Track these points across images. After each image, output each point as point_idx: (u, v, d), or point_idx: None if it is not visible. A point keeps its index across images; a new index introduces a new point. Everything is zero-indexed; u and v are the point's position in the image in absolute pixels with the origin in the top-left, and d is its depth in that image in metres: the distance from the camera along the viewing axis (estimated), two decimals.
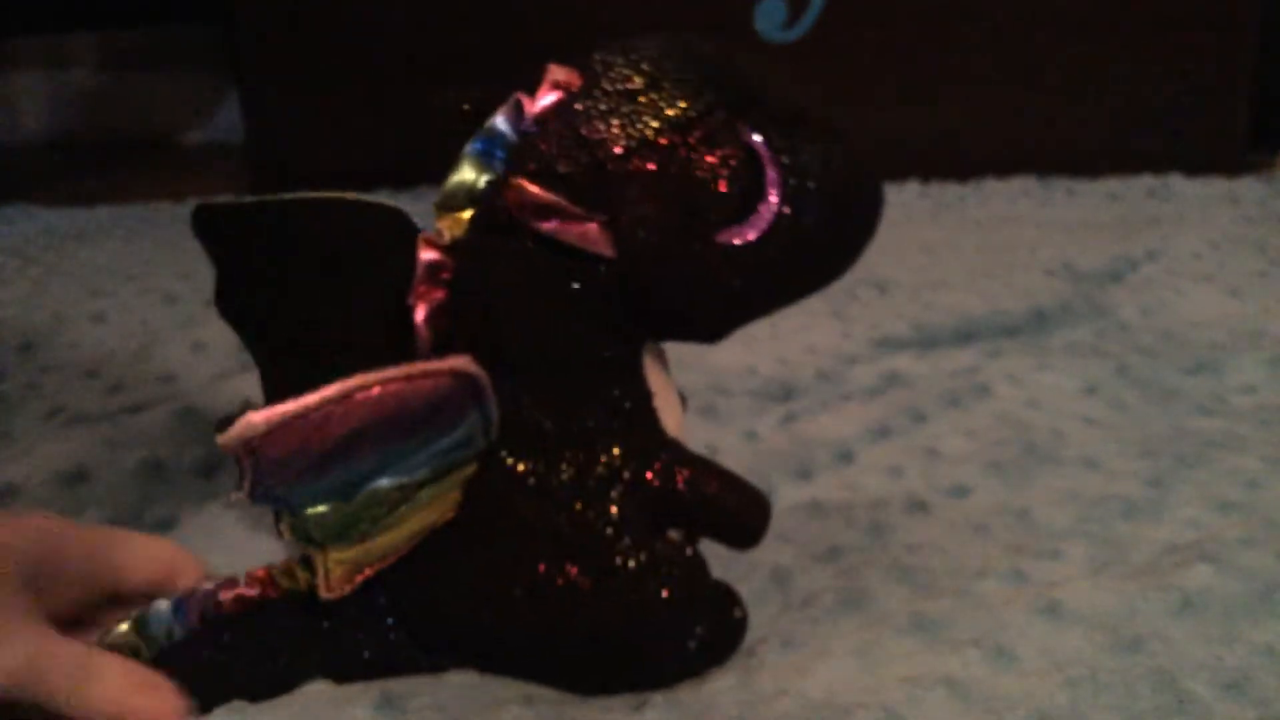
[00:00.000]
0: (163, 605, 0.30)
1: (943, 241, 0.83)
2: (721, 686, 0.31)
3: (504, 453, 0.30)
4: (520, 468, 0.29)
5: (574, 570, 0.30)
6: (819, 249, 0.30)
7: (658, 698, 0.30)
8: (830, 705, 0.29)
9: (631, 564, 0.30)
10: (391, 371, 0.27)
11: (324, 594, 0.29)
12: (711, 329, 0.30)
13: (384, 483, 0.28)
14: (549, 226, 0.27)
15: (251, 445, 0.26)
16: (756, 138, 0.28)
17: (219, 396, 0.51)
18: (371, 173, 1.05)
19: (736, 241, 0.28)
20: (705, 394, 0.54)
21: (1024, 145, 1.06)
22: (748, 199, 0.28)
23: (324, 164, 1.11)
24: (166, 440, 0.47)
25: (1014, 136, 1.06)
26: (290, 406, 0.26)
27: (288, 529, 0.28)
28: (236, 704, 0.30)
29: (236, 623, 0.31)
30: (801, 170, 0.28)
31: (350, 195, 0.29)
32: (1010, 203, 0.96)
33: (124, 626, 0.30)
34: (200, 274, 0.79)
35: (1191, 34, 1.02)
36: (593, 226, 0.28)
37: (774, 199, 0.28)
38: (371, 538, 0.29)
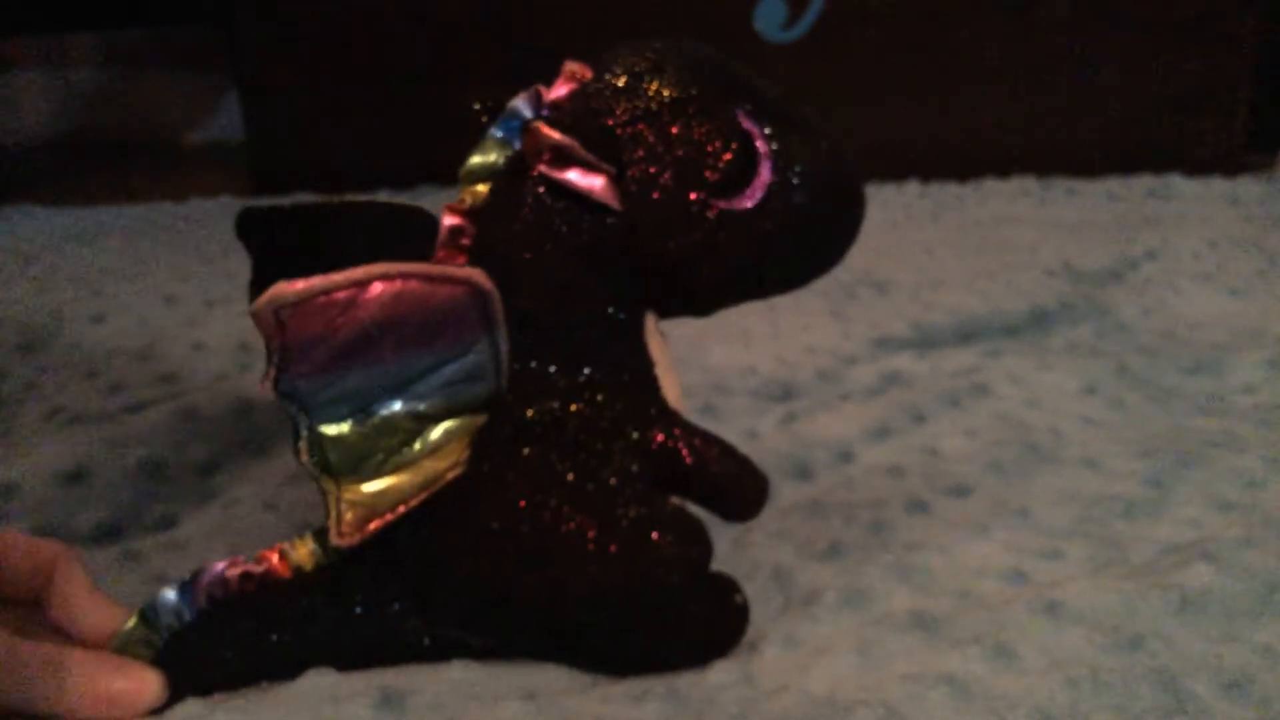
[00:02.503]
0: (169, 592, 0.31)
1: (943, 241, 0.83)
2: (723, 681, 0.31)
3: (514, 402, 0.31)
4: (529, 414, 0.31)
5: (579, 520, 0.30)
6: (809, 230, 0.32)
7: (659, 689, 0.30)
8: (831, 702, 0.29)
9: (634, 514, 0.31)
10: (413, 266, 0.28)
11: (334, 539, 0.30)
12: (706, 294, 0.32)
13: (398, 407, 0.29)
14: (563, 176, 0.29)
15: (281, 317, 0.27)
16: (749, 123, 0.31)
17: (219, 396, 0.51)
18: (371, 173, 1.06)
19: (733, 208, 0.30)
20: (705, 394, 0.54)
21: (1024, 145, 1.06)
22: (742, 172, 0.30)
23: (324, 164, 1.11)
24: (166, 440, 0.47)
25: (1014, 136, 1.06)
26: (318, 281, 0.27)
27: (305, 449, 0.29)
28: (238, 701, 0.30)
29: (243, 601, 0.31)
30: (790, 155, 0.31)
31: (380, 200, 0.31)
32: (1010, 203, 0.96)
33: (131, 623, 0.31)
34: (200, 274, 0.80)
35: (1191, 34, 1.02)
36: (602, 179, 0.30)
37: (766, 174, 0.30)
38: (384, 475, 0.30)
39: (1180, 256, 0.74)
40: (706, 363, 0.58)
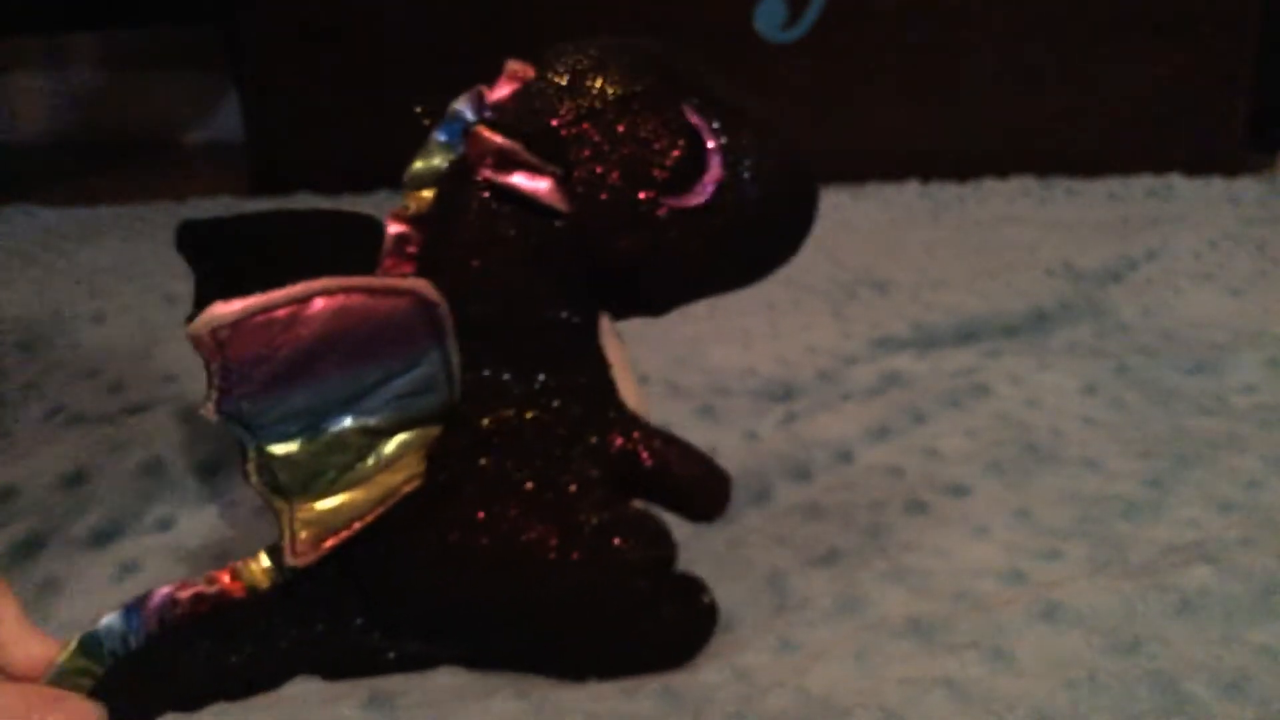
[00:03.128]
0: (112, 618, 0.30)
1: (943, 241, 0.83)
2: (718, 681, 0.31)
3: (469, 412, 0.30)
4: (485, 423, 0.30)
5: (539, 529, 0.30)
6: (762, 225, 0.31)
7: (652, 686, 0.30)
8: (828, 704, 0.29)
9: (595, 521, 0.31)
10: (355, 280, 0.28)
11: (289, 559, 0.29)
12: (659, 293, 0.32)
13: (348, 423, 0.29)
14: (508, 180, 0.29)
15: (219, 337, 0.26)
16: (696, 118, 0.30)
17: None
18: (371, 173, 1.06)
19: (683, 205, 0.30)
20: (705, 394, 0.54)
21: (1024, 145, 1.06)
22: (691, 171, 0.30)
23: (324, 164, 1.11)
24: (166, 440, 0.47)
25: (1014, 136, 1.06)
26: (256, 299, 0.27)
27: (254, 470, 0.28)
28: (223, 706, 0.30)
29: (196, 622, 0.30)
30: (740, 150, 0.30)
31: (323, 208, 0.31)
32: (1010, 203, 0.96)
33: (67, 654, 0.29)
34: None
35: (1191, 34, 1.02)
36: (548, 181, 0.29)
37: (716, 170, 0.30)
38: (337, 492, 0.29)
39: (1180, 256, 0.74)
40: (706, 363, 0.58)
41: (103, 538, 0.42)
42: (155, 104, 1.52)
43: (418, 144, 0.31)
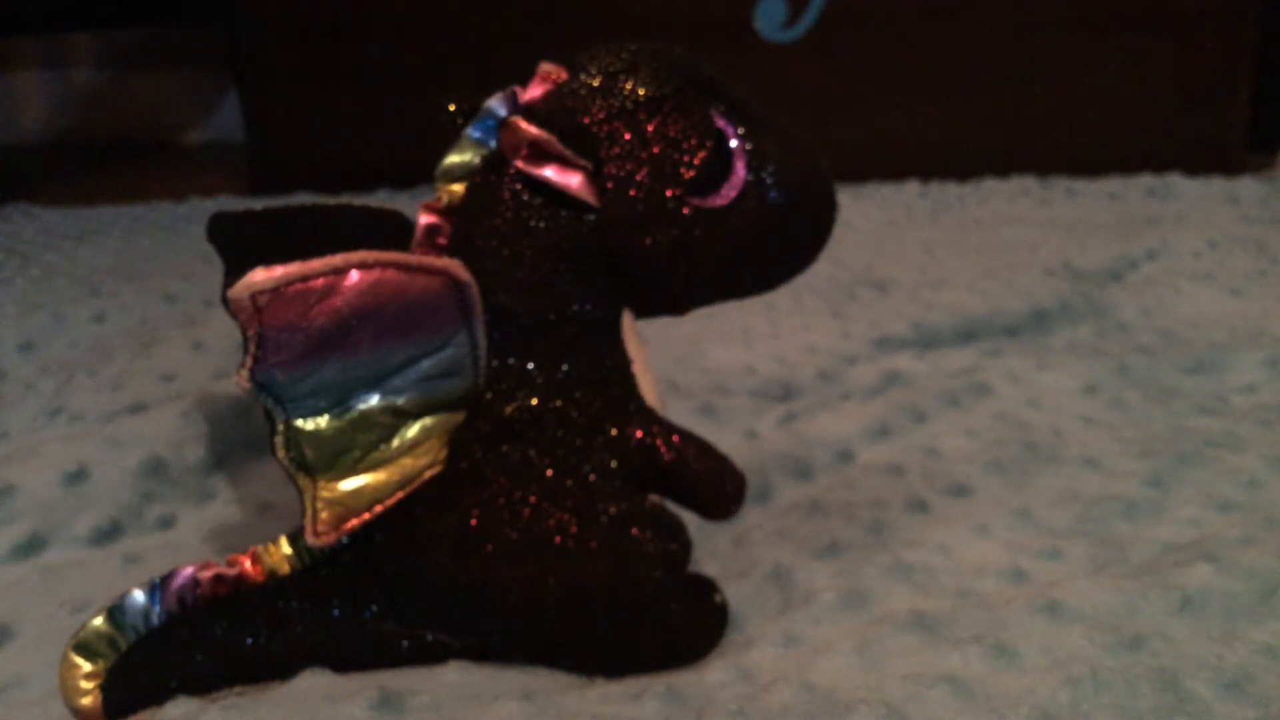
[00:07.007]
0: (137, 593, 0.30)
1: (943, 241, 0.83)
2: (721, 680, 0.31)
3: (492, 399, 0.31)
4: (508, 410, 0.31)
5: (559, 517, 0.31)
6: (783, 229, 0.32)
7: (657, 688, 0.30)
8: (831, 701, 0.29)
9: (614, 510, 0.31)
10: (391, 255, 0.28)
11: (310, 539, 0.30)
12: (682, 291, 0.32)
13: (375, 401, 0.29)
14: (540, 172, 0.29)
15: (259, 303, 0.27)
16: (723, 122, 0.31)
17: (219, 396, 0.51)
18: (371, 173, 1.06)
19: (708, 205, 0.30)
20: (705, 394, 0.54)
21: (1024, 145, 1.06)
22: (717, 170, 0.30)
23: (324, 164, 1.11)
24: (167, 440, 0.47)
25: (1014, 136, 1.06)
26: (295, 267, 0.27)
27: (282, 445, 0.29)
28: (233, 701, 0.30)
29: (215, 604, 0.31)
30: (764, 155, 0.31)
31: (352, 203, 0.31)
32: (1010, 203, 0.96)
33: (97, 620, 0.30)
34: (200, 273, 0.80)
35: (1191, 34, 1.02)
36: (579, 175, 0.29)
37: (741, 172, 0.30)
38: (360, 472, 0.30)
39: (1180, 256, 0.74)
40: (706, 363, 0.58)
41: (103, 537, 0.42)
42: (155, 104, 1.53)
43: (445, 141, 0.31)
